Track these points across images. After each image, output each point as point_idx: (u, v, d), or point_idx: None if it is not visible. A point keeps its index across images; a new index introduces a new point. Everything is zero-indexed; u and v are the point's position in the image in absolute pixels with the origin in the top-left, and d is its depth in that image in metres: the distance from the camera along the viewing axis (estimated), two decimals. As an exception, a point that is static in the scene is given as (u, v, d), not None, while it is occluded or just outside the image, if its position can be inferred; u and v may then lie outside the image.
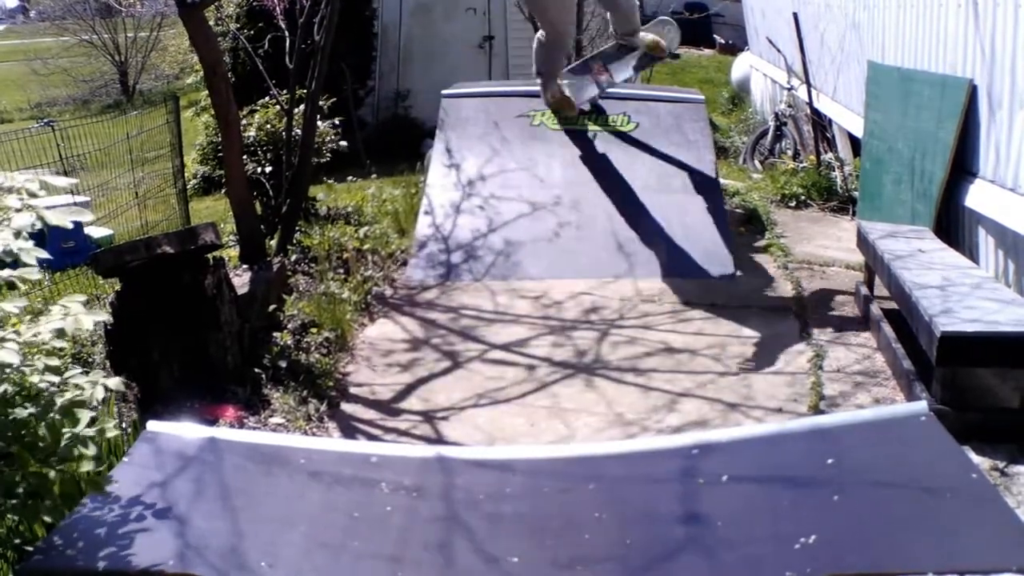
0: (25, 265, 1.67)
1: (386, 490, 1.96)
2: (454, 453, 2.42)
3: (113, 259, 2.86)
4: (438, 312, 3.82)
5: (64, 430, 1.66)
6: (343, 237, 4.44)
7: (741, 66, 10.62)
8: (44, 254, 1.71)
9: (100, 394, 1.72)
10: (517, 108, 4.98)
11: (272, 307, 3.45)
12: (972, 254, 3.73)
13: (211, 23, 4.30)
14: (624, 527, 1.83)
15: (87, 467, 1.70)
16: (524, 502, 2.02)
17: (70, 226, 1.78)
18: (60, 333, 1.67)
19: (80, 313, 1.67)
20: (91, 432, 1.68)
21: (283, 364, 3.11)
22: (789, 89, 7.03)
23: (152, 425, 2.41)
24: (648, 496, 1.96)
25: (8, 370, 1.64)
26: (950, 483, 1.59)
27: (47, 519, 1.71)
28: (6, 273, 1.67)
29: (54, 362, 1.74)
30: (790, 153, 6.87)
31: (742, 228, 4.81)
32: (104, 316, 1.89)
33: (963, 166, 3.86)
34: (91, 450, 1.63)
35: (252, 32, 7.53)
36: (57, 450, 1.63)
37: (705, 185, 4.54)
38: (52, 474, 1.65)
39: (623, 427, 2.79)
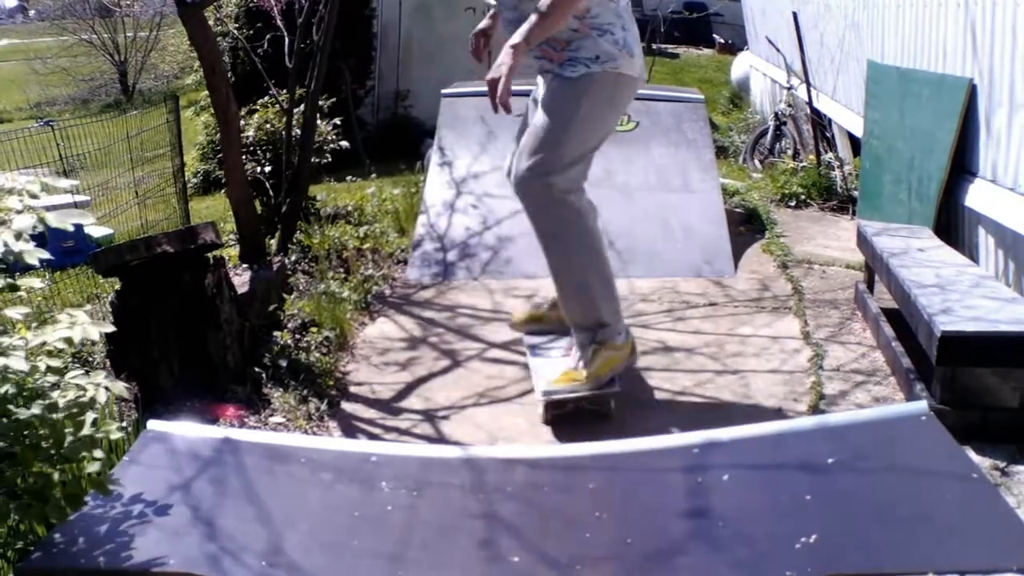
0: (27, 265, 1.67)
1: (387, 489, 1.96)
2: (455, 452, 2.42)
3: (113, 258, 2.86)
4: (436, 311, 3.82)
5: (67, 430, 1.66)
6: (343, 236, 4.44)
7: (741, 66, 10.63)
8: (45, 255, 1.72)
9: (102, 397, 1.72)
10: (516, 107, 4.96)
11: (272, 306, 3.45)
12: (972, 253, 3.74)
13: (210, 23, 4.29)
14: (625, 526, 1.84)
15: (92, 468, 1.70)
16: (524, 501, 2.02)
17: (71, 228, 1.79)
18: (68, 342, 1.69)
19: (87, 323, 1.68)
20: (94, 432, 1.69)
21: (283, 363, 3.11)
22: (789, 88, 7.04)
23: (153, 424, 2.41)
24: (649, 495, 1.96)
25: (10, 372, 1.65)
26: (950, 483, 1.60)
27: (52, 520, 1.71)
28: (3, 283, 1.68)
29: (56, 363, 1.75)
30: (790, 152, 6.88)
31: (742, 227, 4.81)
32: (109, 327, 1.90)
33: (963, 165, 3.87)
34: (98, 452, 1.64)
35: (251, 32, 7.54)
36: (60, 450, 1.63)
37: (704, 184, 4.55)
38: (56, 475, 1.65)
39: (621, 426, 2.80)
